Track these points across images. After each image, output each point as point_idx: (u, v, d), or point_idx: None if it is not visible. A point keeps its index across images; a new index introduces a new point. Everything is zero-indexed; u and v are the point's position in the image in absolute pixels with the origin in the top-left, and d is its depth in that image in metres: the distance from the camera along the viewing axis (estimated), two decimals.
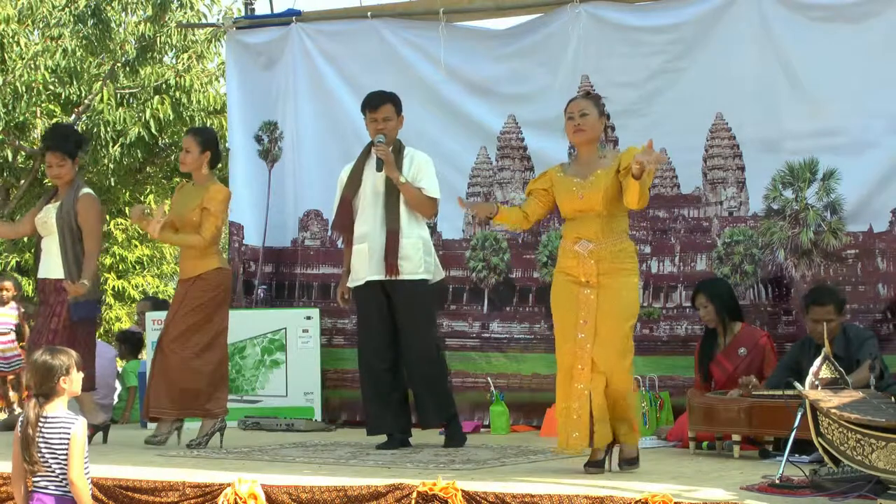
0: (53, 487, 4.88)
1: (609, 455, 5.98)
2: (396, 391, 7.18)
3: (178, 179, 14.22)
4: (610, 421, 5.88)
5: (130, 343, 10.40)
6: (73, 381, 4.98)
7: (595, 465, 5.91)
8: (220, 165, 12.71)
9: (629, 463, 5.97)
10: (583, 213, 5.93)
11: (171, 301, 7.65)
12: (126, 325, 15.91)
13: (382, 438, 7.15)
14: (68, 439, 4.86)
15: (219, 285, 7.33)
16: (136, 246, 18.09)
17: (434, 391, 7.19)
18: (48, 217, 7.53)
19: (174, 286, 17.83)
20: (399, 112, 7.31)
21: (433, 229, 8.78)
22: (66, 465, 4.86)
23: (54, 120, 13.27)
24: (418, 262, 7.14)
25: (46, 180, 13.74)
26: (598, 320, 5.84)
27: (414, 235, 7.17)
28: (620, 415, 5.91)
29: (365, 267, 7.17)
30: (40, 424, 4.88)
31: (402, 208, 7.14)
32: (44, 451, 4.86)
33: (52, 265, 7.50)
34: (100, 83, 12.98)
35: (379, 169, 7.15)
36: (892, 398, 5.25)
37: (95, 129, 12.75)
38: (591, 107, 6.04)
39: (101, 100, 12.85)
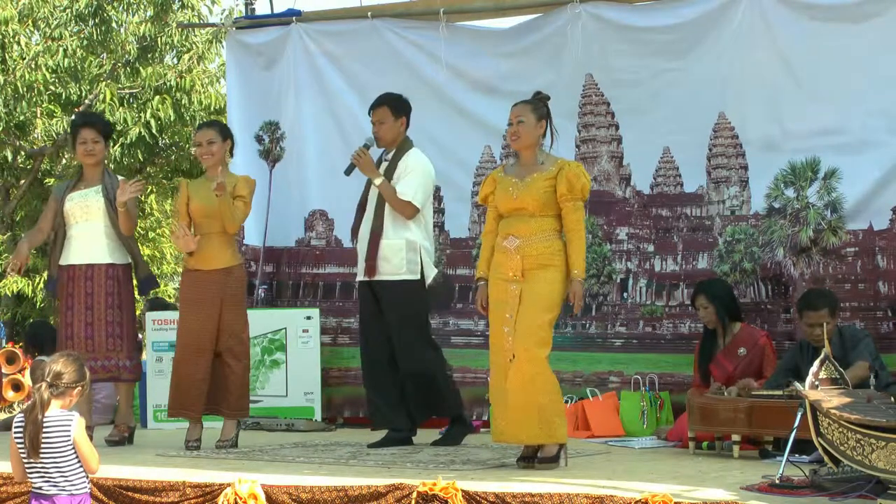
0: (49, 486, 4.87)
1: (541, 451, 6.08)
2: (395, 387, 7.23)
3: (178, 179, 14.19)
4: (531, 417, 5.97)
5: None
6: (78, 397, 5.01)
7: (525, 460, 6.06)
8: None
9: (540, 461, 6.03)
10: (516, 211, 6.21)
11: (177, 293, 7.58)
12: None
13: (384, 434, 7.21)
14: (69, 437, 4.85)
15: (245, 279, 7.58)
16: None
17: (420, 389, 7.20)
18: (90, 202, 7.46)
19: (174, 286, 17.81)
20: (398, 114, 7.32)
21: (441, 227, 8.77)
22: (66, 463, 4.85)
23: (55, 120, 13.26)
24: (398, 263, 7.15)
25: (47, 181, 13.73)
26: (518, 313, 6.06)
27: (397, 237, 7.17)
28: (536, 411, 5.97)
29: (359, 267, 7.31)
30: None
31: (387, 210, 7.18)
32: (45, 450, 4.85)
33: (96, 249, 7.44)
34: (101, 83, 12.98)
35: (346, 173, 7.36)
36: (892, 398, 5.26)
37: None
38: (529, 112, 6.28)
39: (102, 100, 12.85)
